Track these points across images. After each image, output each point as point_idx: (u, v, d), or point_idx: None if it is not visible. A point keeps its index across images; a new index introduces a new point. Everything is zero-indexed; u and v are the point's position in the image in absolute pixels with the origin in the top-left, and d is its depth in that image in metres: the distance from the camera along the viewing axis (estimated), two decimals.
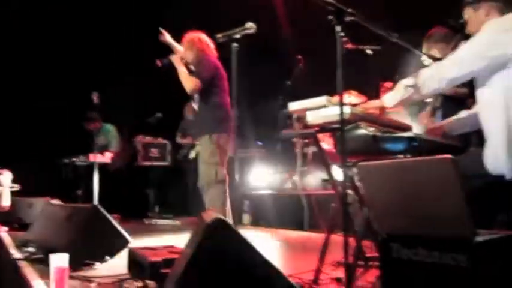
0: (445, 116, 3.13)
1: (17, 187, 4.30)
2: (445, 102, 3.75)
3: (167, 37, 4.11)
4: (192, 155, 6.49)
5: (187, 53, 4.02)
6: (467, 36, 2.28)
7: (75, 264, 2.63)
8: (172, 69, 4.03)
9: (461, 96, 3.32)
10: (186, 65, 4.00)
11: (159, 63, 4.02)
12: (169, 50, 4.15)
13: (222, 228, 1.69)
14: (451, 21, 2.55)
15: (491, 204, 2.19)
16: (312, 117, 2.27)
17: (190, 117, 6.53)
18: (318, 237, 2.74)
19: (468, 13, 2.25)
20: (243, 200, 6.01)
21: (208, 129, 3.81)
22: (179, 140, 6.76)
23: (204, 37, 3.99)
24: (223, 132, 3.80)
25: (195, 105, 4.08)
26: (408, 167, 1.67)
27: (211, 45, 3.98)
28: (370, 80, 4.95)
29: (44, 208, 3.65)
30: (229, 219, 3.73)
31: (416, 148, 2.03)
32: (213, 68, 3.87)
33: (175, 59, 3.96)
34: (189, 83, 3.80)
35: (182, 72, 3.88)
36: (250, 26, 2.67)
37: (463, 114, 2.54)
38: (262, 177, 6.53)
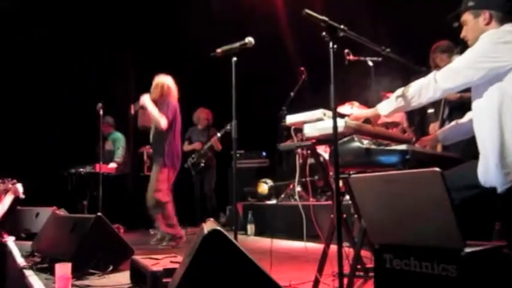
0: None
1: (22, 196, 4.44)
2: (452, 113, 3.79)
3: (138, 106, 4.91)
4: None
5: (154, 93, 4.90)
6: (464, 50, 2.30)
7: (79, 273, 2.69)
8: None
9: (467, 100, 3.36)
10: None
11: (132, 108, 4.98)
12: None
13: (219, 239, 1.73)
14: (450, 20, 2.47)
15: (488, 213, 2.21)
16: (309, 130, 2.32)
17: (199, 126, 6.65)
18: (318, 247, 2.77)
19: (468, 18, 2.20)
20: (247, 210, 6.05)
21: (159, 159, 4.79)
22: (185, 148, 6.80)
23: (170, 82, 4.96)
24: (169, 165, 4.78)
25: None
26: (398, 180, 1.71)
27: (175, 90, 4.98)
28: (373, 90, 5.00)
29: (50, 218, 3.71)
30: None
31: (409, 161, 2.06)
32: (175, 111, 4.86)
33: (147, 100, 4.80)
34: (160, 120, 4.69)
35: (155, 111, 4.74)
36: (249, 41, 2.73)
37: (460, 122, 2.53)
38: (266, 187, 6.57)
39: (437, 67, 3.78)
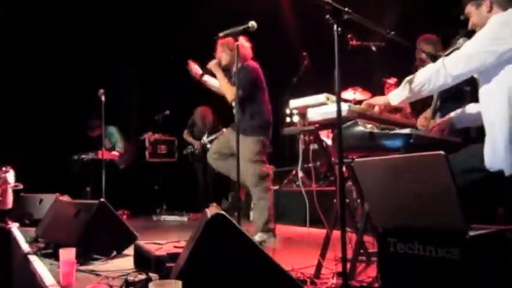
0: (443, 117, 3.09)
1: (20, 186, 4.34)
2: (443, 104, 3.78)
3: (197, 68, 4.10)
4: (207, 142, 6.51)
5: (224, 55, 3.95)
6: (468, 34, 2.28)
7: (83, 258, 2.71)
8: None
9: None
10: (223, 68, 3.96)
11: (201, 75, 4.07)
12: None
13: (222, 223, 1.74)
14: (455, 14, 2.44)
15: (492, 197, 2.21)
16: (312, 115, 2.32)
17: (199, 123, 6.61)
18: (320, 232, 2.79)
19: (470, 10, 2.22)
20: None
21: (252, 132, 3.93)
22: (185, 136, 6.81)
23: (244, 42, 3.86)
24: (264, 135, 4.01)
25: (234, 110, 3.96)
26: (401, 164, 1.71)
27: (250, 50, 3.95)
28: (376, 76, 4.97)
29: (53, 204, 3.73)
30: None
31: (413, 145, 2.06)
32: (255, 78, 3.91)
33: (213, 66, 3.91)
34: (230, 92, 3.80)
35: (223, 81, 3.88)
36: (252, 25, 2.71)
37: (471, 108, 2.50)
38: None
39: (420, 59, 3.77)
